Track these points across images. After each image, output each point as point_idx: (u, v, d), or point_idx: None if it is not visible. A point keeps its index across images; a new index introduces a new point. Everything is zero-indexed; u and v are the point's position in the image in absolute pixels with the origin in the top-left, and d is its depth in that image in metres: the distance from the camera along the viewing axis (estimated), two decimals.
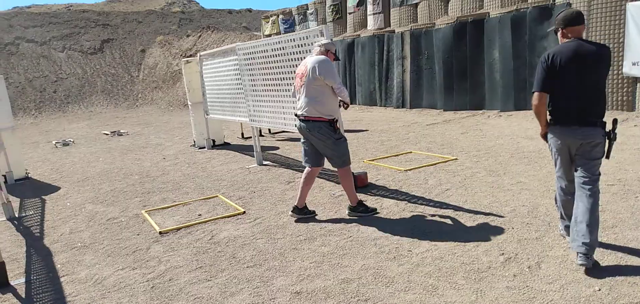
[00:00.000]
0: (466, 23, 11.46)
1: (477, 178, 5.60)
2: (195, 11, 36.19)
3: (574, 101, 3.26)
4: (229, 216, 5.07)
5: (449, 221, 4.29)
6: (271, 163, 7.49)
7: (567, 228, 3.52)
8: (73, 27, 29.00)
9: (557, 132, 3.37)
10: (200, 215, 5.24)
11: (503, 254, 3.50)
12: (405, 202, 4.96)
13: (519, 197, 4.71)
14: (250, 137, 10.21)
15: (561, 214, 3.59)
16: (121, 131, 13.73)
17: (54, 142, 12.29)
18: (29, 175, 8.30)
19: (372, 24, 15.03)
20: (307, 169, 4.79)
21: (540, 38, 9.99)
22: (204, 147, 9.46)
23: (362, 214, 4.69)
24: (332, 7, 16.65)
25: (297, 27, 18.86)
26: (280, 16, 19.81)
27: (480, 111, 10.93)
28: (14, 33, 26.65)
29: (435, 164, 6.48)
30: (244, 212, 5.16)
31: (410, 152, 7.42)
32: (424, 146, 7.84)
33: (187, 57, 26.04)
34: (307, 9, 18.01)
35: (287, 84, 6.16)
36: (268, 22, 20.99)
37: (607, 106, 9.14)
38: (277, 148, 8.87)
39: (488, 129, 8.78)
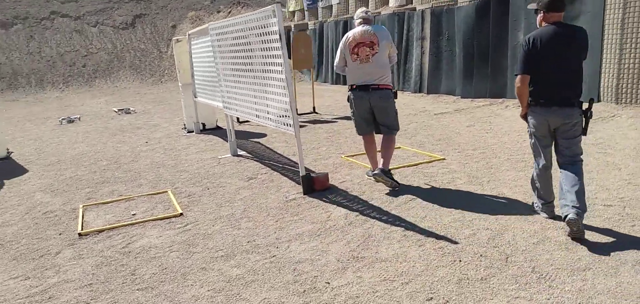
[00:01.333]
0: (490, 1, 10.36)
1: (454, 186, 4.78)
2: None
3: (554, 82, 3.45)
4: (162, 219, 4.51)
5: (392, 244, 3.55)
6: (247, 154, 6.88)
7: (545, 205, 3.74)
8: (107, 2, 29.23)
9: (539, 112, 3.54)
10: (134, 214, 4.72)
11: (431, 299, 2.75)
12: (357, 213, 4.23)
13: (487, 218, 3.88)
14: (246, 121, 9.67)
15: (538, 193, 3.77)
16: (130, 108, 13.49)
17: (59, 119, 12.17)
18: (10, 155, 8.07)
19: (393, 0, 14.03)
20: (367, 137, 5.02)
21: (571, 19, 8.81)
22: (193, 131, 8.97)
23: (391, 179, 4.76)
24: None
25: (320, 2, 18.05)
26: None
27: (500, 100, 9.88)
28: (50, 8, 27.13)
29: (417, 164, 5.68)
30: (181, 214, 4.59)
31: (399, 147, 6.61)
32: (419, 140, 7.01)
33: None
34: None
35: (249, 69, 5.51)
36: None
37: None
38: (264, 135, 8.26)
39: (498, 123, 7.82)
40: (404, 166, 5.60)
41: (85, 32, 25.95)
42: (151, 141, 8.45)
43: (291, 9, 20.48)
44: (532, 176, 3.79)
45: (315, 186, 4.86)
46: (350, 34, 4.88)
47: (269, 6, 4.69)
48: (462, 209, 4.10)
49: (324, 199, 4.67)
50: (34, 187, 6.03)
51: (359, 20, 4.93)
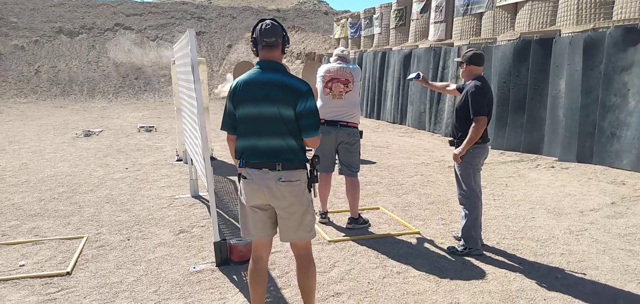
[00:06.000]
0: (530, 42, 9.05)
1: (402, 278, 3.69)
2: (291, 10, 35.90)
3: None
4: (43, 277, 3.81)
5: None
6: (207, 196, 6.10)
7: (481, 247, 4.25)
8: (170, 17, 30.09)
9: (484, 148, 4.15)
10: (22, 265, 4.05)
11: None
12: None
13: None
14: None
15: (478, 236, 4.21)
16: (153, 126, 13.24)
17: (76, 132, 12.10)
18: None
19: (432, 34, 12.95)
20: (324, 176, 4.82)
21: (621, 70, 7.37)
22: (182, 160, 8.37)
23: (361, 226, 4.82)
24: (396, 12, 14.78)
25: (362, 31, 17.23)
26: (349, 20, 18.30)
27: (533, 157, 8.50)
28: (116, 20, 28.27)
29: (384, 236, 4.62)
30: (68, 273, 3.86)
31: (377, 208, 5.57)
32: (408, 200, 5.91)
33: None
34: (374, 14, 16.30)
35: (187, 101, 4.77)
36: (339, 24, 19.60)
37: None
38: None
39: (515, 187, 6.53)
40: (367, 237, 4.56)
41: (144, 45, 26.72)
42: (134, 167, 7.93)
43: (336, 36, 19.82)
44: (475, 219, 4.14)
45: (232, 257, 3.97)
46: (325, 66, 4.84)
47: (188, 31, 3.94)
48: None
49: (234, 276, 3.76)
50: None
51: (335, 57, 4.90)
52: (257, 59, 2.78)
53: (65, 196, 6.19)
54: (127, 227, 4.97)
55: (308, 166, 2.80)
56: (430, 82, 4.91)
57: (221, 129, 2.85)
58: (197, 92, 3.82)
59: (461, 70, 4.25)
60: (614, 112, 7.39)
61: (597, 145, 7.63)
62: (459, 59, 4.27)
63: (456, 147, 4.16)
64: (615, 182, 6.51)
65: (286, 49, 2.80)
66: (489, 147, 4.29)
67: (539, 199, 5.92)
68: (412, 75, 4.78)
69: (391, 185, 6.66)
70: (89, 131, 12.22)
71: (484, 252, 4.19)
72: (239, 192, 2.84)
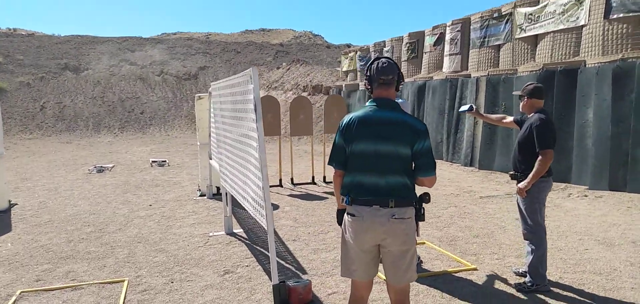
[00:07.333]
0: (554, 72, 9.00)
1: None
2: (293, 44, 36.18)
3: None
4: None
5: None
6: (242, 233, 5.89)
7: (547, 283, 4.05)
8: (174, 53, 30.25)
9: (550, 182, 4.06)
10: None
11: None
12: None
13: None
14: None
15: (545, 268, 4.05)
16: (165, 161, 13.06)
17: (88, 168, 11.90)
18: (12, 207, 7.61)
19: (447, 65, 12.95)
20: None
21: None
22: (205, 195, 8.18)
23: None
24: (407, 45, 14.82)
25: None
26: (358, 53, 18.36)
27: (562, 186, 8.34)
28: (121, 56, 28.38)
29: (441, 273, 4.41)
30: None
31: (423, 243, 5.37)
32: (451, 233, 5.71)
33: (273, 89, 25.61)
34: (384, 47, 16.35)
35: (236, 138, 4.60)
36: (347, 58, 19.67)
37: None
38: (276, 207, 7.27)
39: (556, 217, 6.35)
40: (425, 275, 4.34)
41: (148, 80, 26.74)
42: (157, 204, 7.71)
43: (344, 69, 19.87)
44: (542, 255, 3.99)
45: (291, 300, 3.75)
46: None
47: (248, 70, 3.81)
48: None
49: None
50: None
51: None
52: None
53: (94, 236, 5.96)
54: (167, 268, 4.75)
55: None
56: (484, 114, 4.79)
57: (328, 163, 2.77)
58: (258, 131, 3.65)
59: (521, 103, 4.14)
60: None
61: (631, 174, 7.49)
62: (519, 93, 4.18)
63: (518, 181, 4.02)
64: None
65: (400, 86, 2.78)
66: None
67: (584, 229, 5.74)
68: (465, 107, 4.65)
69: (428, 217, 6.46)
70: (101, 166, 12.02)
71: (551, 288, 3.99)
72: (343, 231, 2.74)
